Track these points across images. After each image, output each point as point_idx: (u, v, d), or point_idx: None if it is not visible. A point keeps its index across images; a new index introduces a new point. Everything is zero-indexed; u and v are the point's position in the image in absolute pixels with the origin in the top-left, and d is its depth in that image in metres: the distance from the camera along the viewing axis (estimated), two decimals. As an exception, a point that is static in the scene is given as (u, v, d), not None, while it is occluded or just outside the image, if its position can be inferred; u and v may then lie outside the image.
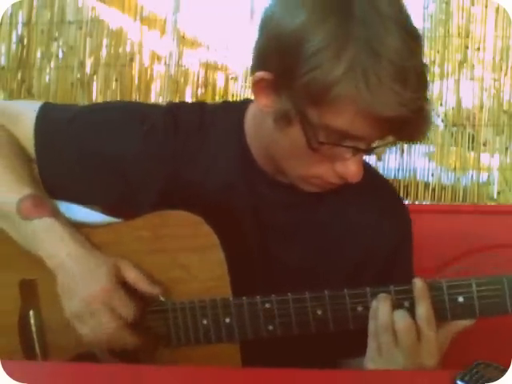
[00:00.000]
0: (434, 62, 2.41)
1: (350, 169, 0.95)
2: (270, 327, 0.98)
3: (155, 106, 1.21)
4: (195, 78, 2.57)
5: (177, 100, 2.50)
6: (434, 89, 2.39)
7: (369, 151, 0.96)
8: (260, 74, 0.93)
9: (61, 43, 2.61)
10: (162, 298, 1.01)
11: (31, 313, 1.06)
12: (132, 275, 0.99)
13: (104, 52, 2.60)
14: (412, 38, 0.89)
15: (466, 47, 2.41)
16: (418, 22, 1.29)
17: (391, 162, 2.43)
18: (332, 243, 1.07)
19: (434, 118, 2.27)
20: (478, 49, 2.41)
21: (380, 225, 1.08)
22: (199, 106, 1.14)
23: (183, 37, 2.58)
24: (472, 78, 2.41)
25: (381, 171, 1.46)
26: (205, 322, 0.99)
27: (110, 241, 1.04)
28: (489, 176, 2.41)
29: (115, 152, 1.06)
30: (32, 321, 1.06)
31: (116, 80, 2.59)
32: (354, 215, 1.08)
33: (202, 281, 1.01)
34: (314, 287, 0.98)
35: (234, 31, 2.51)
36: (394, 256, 1.08)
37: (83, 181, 1.08)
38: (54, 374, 0.86)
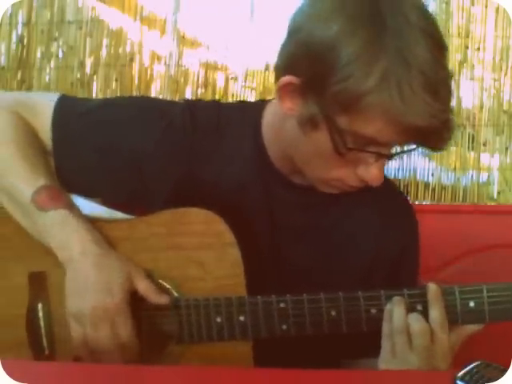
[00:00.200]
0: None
1: (372, 173, 0.97)
2: (284, 326, 0.99)
3: (173, 103, 1.21)
4: (195, 78, 2.57)
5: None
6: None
7: (391, 157, 0.98)
8: (287, 78, 0.94)
9: (61, 43, 2.61)
10: (175, 294, 1.01)
11: (40, 305, 1.05)
12: (142, 286, 0.99)
13: (104, 52, 2.60)
14: (439, 49, 0.91)
15: (466, 47, 2.41)
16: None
17: (391, 161, 2.43)
18: (342, 245, 1.08)
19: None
20: (478, 49, 2.41)
21: (389, 227, 1.09)
22: (216, 105, 1.15)
23: (183, 37, 2.58)
24: (472, 78, 2.40)
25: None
26: (218, 319, 1.00)
27: (124, 236, 1.04)
28: (489, 176, 2.40)
29: (132, 147, 1.06)
30: (40, 314, 1.05)
31: (116, 80, 2.58)
32: (364, 217, 1.09)
33: (217, 278, 1.01)
34: (324, 288, 0.99)
35: (234, 31, 2.51)
36: (402, 258, 1.10)
37: (98, 175, 1.08)
38: (54, 374, 0.86)
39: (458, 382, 0.79)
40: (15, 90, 2.58)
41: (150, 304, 1.00)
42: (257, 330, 0.99)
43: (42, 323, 1.05)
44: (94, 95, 2.59)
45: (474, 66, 2.40)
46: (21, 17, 2.61)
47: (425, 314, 0.95)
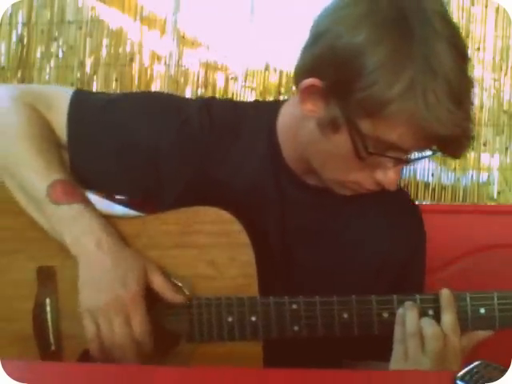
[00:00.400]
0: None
1: (389, 177, 0.98)
2: (296, 328, 0.99)
3: (189, 99, 1.21)
4: (195, 78, 2.57)
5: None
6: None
7: (409, 162, 0.99)
8: (310, 80, 0.95)
9: (61, 43, 2.61)
10: (186, 293, 1.01)
11: (48, 301, 1.05)
12: (159, 283, 0.99)
13: (104, 52, 2.60)
14: (463, 58, 0.93)
15: (466, 47, 2.41)
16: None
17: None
18: (352, 246, 1.09)
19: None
20: (478, 49, 2.41)
21: (398, 230, 1.10)
22: (232, 104, 1.15)
23: (183, 37, 2.58)
24: (472, 78, 2.40)
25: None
26: (230, 319, 1.00)
27: (137, 233, 1.04)
28: (489, 176, 2.40)
29: (149, 141, 1.06)
30: (48, 309, 1.04)
31: (116, 80, 2.58)
32: (374, 220, 1.10)
33: (229, 278, 1.01)
34: (333, 289, 1.00)
35: (234, 31, 2.51)
36: (410, 262, 1.11)
37: (113, 171, 1.07)
38: (54, 374, 0.86)
39: (457, 381, 0.79)
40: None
41: (162, 302, 1.00)
42: (268, 330, 1.00)
43: (49, 318, 1.04)
44: (93, 95, 2.59)
45: (473, 65, 2.40)
46: (21, 17, 2.61)
47: (436, 319, 0.97)
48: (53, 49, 2.61)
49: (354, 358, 1.09)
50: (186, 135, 1.06)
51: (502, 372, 0.79)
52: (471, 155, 2.41)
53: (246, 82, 2.55)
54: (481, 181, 2.41)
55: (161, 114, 1.08)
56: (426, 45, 0.89)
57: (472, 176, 2.41)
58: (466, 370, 0.80)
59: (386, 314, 0.98)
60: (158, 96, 1.20)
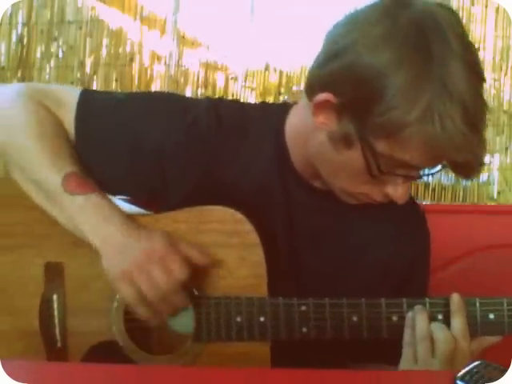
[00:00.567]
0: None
1: (399, 193, 0.98)
2: (304, 329, 0.99)
3: (196, 100, 1.21)
4: (195, 78, 2.57)
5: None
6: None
7: (419, 177, 1.00)
8: (326, 95, 0.95)
9: (61, 43, 2.61)
10: (195, 292, 1.01)
11: (55, 297, 1.05)
12: (185, 246, 0.98)
13: (104, 52, 2.60)
14: (478, 79, 0.93)
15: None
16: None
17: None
18: (357, 250, 1.09)
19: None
20: (478, 49, 2.41)
21: (403, 235, 1.11)
22: (239, 105, 1.15)
23: (183, 37, 2.58)
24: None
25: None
26: (238, 319, 1.00)
27: None
28: (489, 176, 2.41)
29: (156, 142, 1.05)
30: (55, 305, 1.04)
31: (116, 80, 2.59)
32: (379, 224, 1.10)
33: (239, 278, 1.01)
34: (337, 292, 1.00)
35: (234, 31, 2.52)
36: (414, 266, 1.11)
37: (120, 171, 1.07)
38: (54, 374, 0.86)
39: (457, 381, 0.79)
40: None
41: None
42: (276, 331, 1.00)
43: (55, 315, 1.04)
44: (93, 95, 2.59)
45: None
46: (21, 17, 2.61)
47: (445, 323, 0.97)
48: (53, 49, 2.61)
49: (358, 361, 1.09)
50: (193, 136, 1.06)
51: (502, 372, 0.79)
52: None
53: (246, 82, 2.56)
54: (481, 181, 2.41)
55: (168, 115, 1.08)
56: (444, 66, 0.89)
57: (472, 176, 2.41)
58: (466, 369, 0.80)
59: (395, 318, 0.99)
60: (165, 96, 1.19)
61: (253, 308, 1.00)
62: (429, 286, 1.12)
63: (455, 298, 0.97)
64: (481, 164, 0.95)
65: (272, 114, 1.10)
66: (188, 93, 2.58)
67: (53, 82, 2.60)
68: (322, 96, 0.95)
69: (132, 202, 1.09)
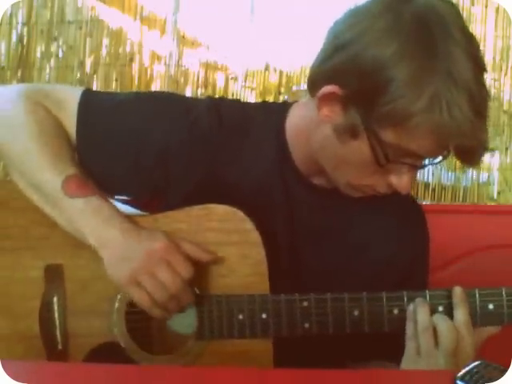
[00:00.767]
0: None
1: (403, 182, 0.99)
2: (306, 325, 1.00)
3: (197, 99, 1.22)
4: (195, 78, 2.57)
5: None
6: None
7: (423, 167, 1.01)
8: (331, 88, 0.95)
9: (61, 43, 2.61)
10: (197, 290, 1.01)
11: (55, 299, 1.04)
12: (187, 244, 0.99)
13: (104, 52, 2.60)
14: (481, 70, 0.94)
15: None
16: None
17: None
18: (357, 248, 1.10)
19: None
20: (478, 49, 2.41)
21: (403, 233, 1.11)
22: (240, 104, 1.16)
23: (183, 37, 2.58)
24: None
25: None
26: (240, 316, 1.00)
27: None
28: (489, 176, 2.41)
29: (159, 142, 1.06)
30: (55, 307, 1.04)
31: (116, 80, 2.59)
32: (379, 222, 1.11)
33: (240, 276, 1.01)
34: (338, 290, 1.00)
35: (234, 31, 2.51)
36: (414, 265, 1.12)
37: (123, 171, 1.07)
38: (54, 374, 0.86)
39: (457, 381, 0.79)
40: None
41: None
42: (278, 327, 1.00)
43: (56, 317, 1.04)
44: (93, 95, 2.59)
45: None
46: (21, 17, 2.61)
47: (446, 315, 0.98)
48: (53, 49, 2.61)
49: (360, 359, 1.09)
50: (195, 135, 1.06)
51: (502, 372, 0.79)
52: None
53: (246, 82, 2.56)
54: (481, 181, 2.41)
55: (170, 114, 1.08)
56: (449, 57, 0.91)
57: (472, 176, 2.41)
58: (466, 369, 0.80)
59: (396, 311, 0.99)
60: (166, 96, 1.20)
61: (255, 305, 1.00)
62: (428, 283, 1.12)
63: (457, 291, 0.98)
64: (485, 149, 0.95)
65: (272, 114, 1.10)
66: (188, 93, 2.58)
67: (53, 81, 2.60)
68: (328, 88, 0.96)
69: (132, 202, 1.09)
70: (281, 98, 2.55)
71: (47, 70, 2.62)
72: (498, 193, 2.41)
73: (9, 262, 1.05)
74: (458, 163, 2.31)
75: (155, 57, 2.60)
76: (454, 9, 0.96)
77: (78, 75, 2.59)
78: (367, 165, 0.97)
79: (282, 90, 2.55)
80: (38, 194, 1.03)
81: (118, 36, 2.60)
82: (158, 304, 0.96)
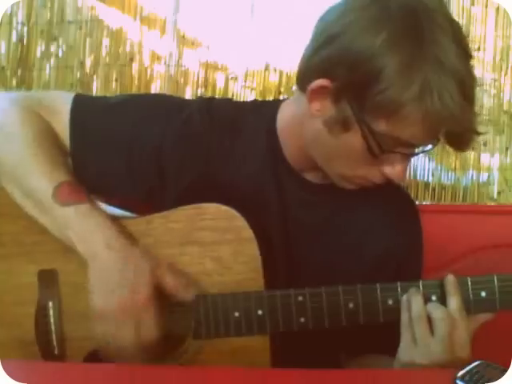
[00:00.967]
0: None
1: (397, 171, 1.00)
2: (302, 320, 1.00)
3: (188, 100, 1.23)
4: (195, 78, 2.57)
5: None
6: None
7: (414, 155, 1.02)
8: (321, 81, 0.96)
9: (60, 43, 2.61)
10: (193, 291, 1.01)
11: (50, 304, 1.04)
12: (170, 283, 0.99)
13: (104, 52, 2.60)
14: (467, 56, 0.97)
15: (469, 44, 2.40)
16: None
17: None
18: (351, 243, 1.10)
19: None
20: (478, 49, 2.40)
21: (396, 228, 1.13)
22: (231, 103, 1.17)
23: (183, 37, 2.57)
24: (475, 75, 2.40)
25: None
26: (236, 314, 1.00)
27: (142, 232, 1.04)
28: (489, 176, 2.40)
29: (152, 143, 1.06)
30: (51, 312, 1.04)
31: (116, 80, 2.58)
32: (372, 217, 1.13)
33: (235, 274, 1.02)
34: (332, 285, 1.01)
35: (234, 31, 2.51)
36: (408, 258, 1.13)
37: (117, 173, 1.08)
38: (54, 374, 0.86)
39: (457, 381, 0.79)
40: (15, 90, 2.58)
41: (171, 299, 1.00)
42: (275, 323, 1.00)
43: (52, 322, 1.04)
44: (93, 95, 2.59)
45: (473, 66, 2.40)
46: (21, 17, 2.61)
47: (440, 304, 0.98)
48: (53, 49, 2.60)
49: (356, 353, 1.10)
50: (186, 135, 1.07)
51: (502, 372, 0.79)
52: (471, 155, 2.41)
53: (246, 82, 2.55)
54: (481, 181, 2.41)
55: (162, 115, 1.09)
56: (436, 44, 0.92)
57: (472, 176, 2.41)
58: (466, 369, 0.80)
59: (390, 302, 1.00)
60: (158, 98, 1.21)
61: (250, 302, 1.00)
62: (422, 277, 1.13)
63: (450, 279, 0.99)
64: (476, 133, 0.97)
65: (263, 112, 1.12)
66: (188, 93, 2.58)
67: (53, 81, 2.60)
68: (318, 82, 0.96)
69: (126, 205, 1.09)
70: (281, 98, 2.55)
71: (47, 70, 2.61)
72: (498, 193, 2.41)
73: (2, 269, 1.05)
74: (458, 163, 2.30)
75: (155, 57, 2.60)
76: None
77: (78, 75, 2.59)
78: (360, 156, 0.98)
79: (282, 89, 2.54)
80: (30, 202, 1.03)
81: (118, 36, 2.59)
82: (108, 342, 0.97)
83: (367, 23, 0.93)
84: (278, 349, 1.01)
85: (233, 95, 2.55)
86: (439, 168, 2.43)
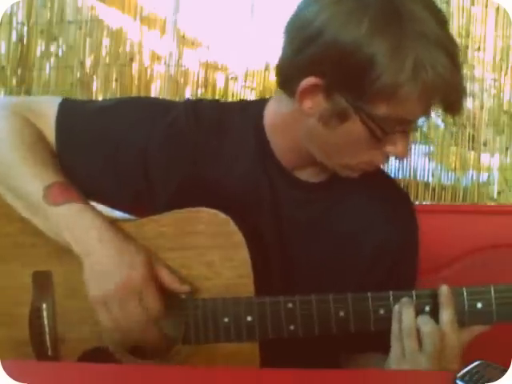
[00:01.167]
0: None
1: (399, 148, 1.01)
2: (292, 327, 1.00)
3: (175, 102, 1.22)
4: (195, 78, 2.57)
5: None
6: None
7: (415, 130, 1.04)
8: (312, 80, 0.96)
9: (60, 43, 2.61)
10: (182, 296, 1.01)
11: (44, 305, 1.04)
12: (166, 275, 1.00)
13: (104, 52, 2.60)
14: (446, 23, 0.98)
15: (466, 47, 2.41)
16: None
17: (391, 161, 2.43)
18: (346, 240, 1.10)
19: (435, 117, 2.27)
20: (478, 49, 2.40)
21: (391, 223, 1.11)
22: (217, 104, 1.17)
23: (183, 37, 2.57)
24: (472, 78, 2.40)
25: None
26: (226, 320, 1.00)
27: (133, 235, 1.03)
28: (489, 176, 2.40)
29: (138, 145, 1.06)
30: (44, 314, 1.04)
31: (116, 80, 2.58)
32: (366, 212, 1.11)
33: (225, 279, 1.01)
34: (329, 283, 1.02)
35: (234, 31, 2.51)
36: (403, 253, 1.12)
37: (103, 177, 1.08)
38: (54, 374, 0.86)
39: (457, 381, 0.79)
40: (15, 90, 2.59)
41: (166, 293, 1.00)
42: (264, 330, 1.00)
43: (45, 323, 1.04)
44: (93, 95, 2.59)
45: (474, 66, 2.40)
46: (21, 17, 2.61)
47: (432, 315, 0.97)
48: (52, 49, 2.60)
49: (353, 351, 1.10)
50: (173, 137, 1.07)
51: (502, 372, 0.79)
52: (471, 155, 2.41)
53: (246, 82, 2.55)
54: (481, 181, 2.41)
55: (148, 118, 1.09)
56: (416, 20, 0.93)
57: (472, 176, 2.41)
58: (466, 369, 0.80)
59: (382, 311, 0.99)
60: (145, 101, 1.22)
61: (240, 308, 1.00)
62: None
63: (444, 290, 0.97)
64: (465, 95, 0.99)
65: (250, 111, 1.12)
66: (188, 93, 2.58)
67: (52, 81, 2.60)
68: (308, 81, 0.96)
69: (117, 207, 1.10)
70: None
71: (47, 70, 2.61)
72: (498, 193, 2.40)
73: None
74: (458, 163, 2.31)
75: (155, 57, 2.60)
76: None
77: (78, 75, 2.59)
78: (362, 142, 0.99)
79: (282, 89, 2.54)
80: (23, 204, 1.03)
81: (118, 36, 2.59)
82: (118, 329, 0.97)
83: (348, 14, 0.94)
84: (269, 350, 1.00)
85: (233, 95, 2.55)
86: (439, 168, 2.43)
